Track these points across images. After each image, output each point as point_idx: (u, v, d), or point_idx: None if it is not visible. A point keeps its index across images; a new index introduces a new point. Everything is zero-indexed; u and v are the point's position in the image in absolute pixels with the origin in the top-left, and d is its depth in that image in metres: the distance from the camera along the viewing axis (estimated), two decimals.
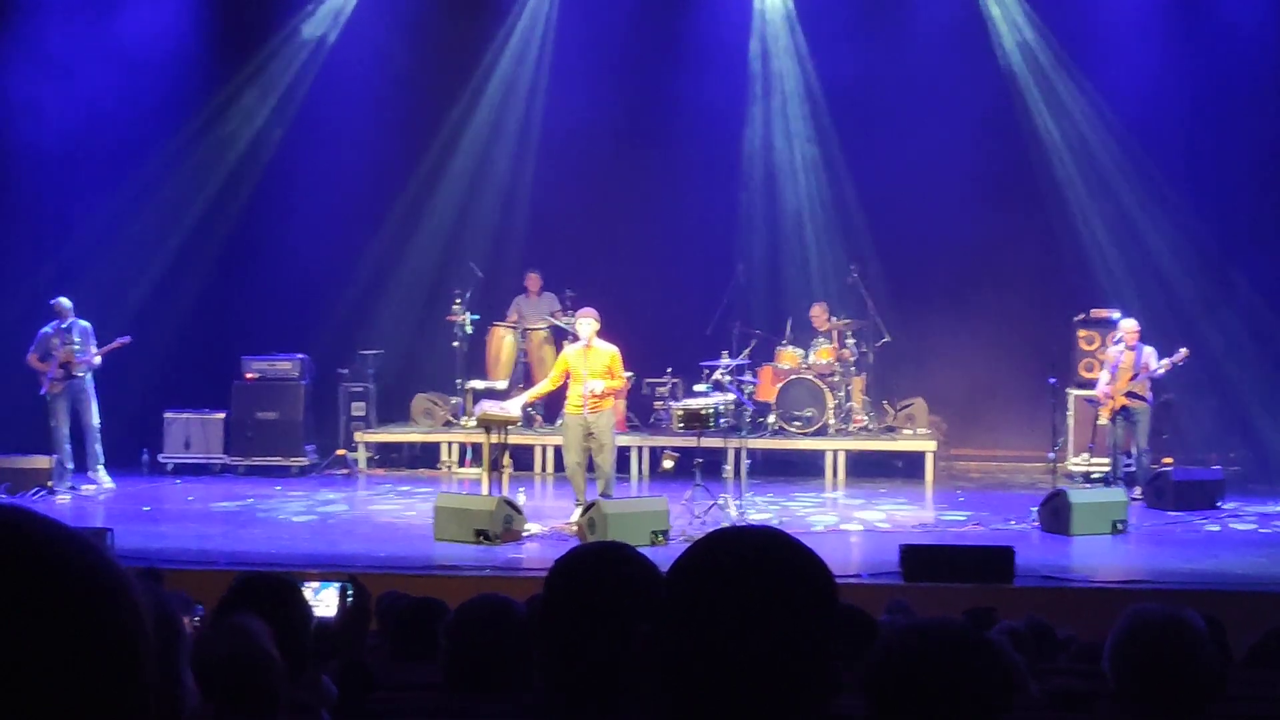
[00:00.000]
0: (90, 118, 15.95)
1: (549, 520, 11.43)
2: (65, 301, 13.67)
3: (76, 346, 13.52)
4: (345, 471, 15.02)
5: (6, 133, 15.85)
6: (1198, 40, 15.47)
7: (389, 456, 15.78)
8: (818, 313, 15.53)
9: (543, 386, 12.15)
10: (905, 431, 15.30)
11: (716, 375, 12.85)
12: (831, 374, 15.11)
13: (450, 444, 15.38)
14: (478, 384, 15.19)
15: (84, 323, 13.70)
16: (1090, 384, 13.96)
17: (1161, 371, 13.01)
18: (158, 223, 16.05)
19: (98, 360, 13.61)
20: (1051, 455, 13.04)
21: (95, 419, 13.65)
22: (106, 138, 15.88)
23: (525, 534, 10.70)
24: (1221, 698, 4.02)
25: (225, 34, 16.28)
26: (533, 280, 15.97)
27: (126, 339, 13.76)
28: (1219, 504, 12.56)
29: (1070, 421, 14.44)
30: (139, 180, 15.95)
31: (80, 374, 13.56)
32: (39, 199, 16.20)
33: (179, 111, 16.21)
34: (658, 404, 15.35)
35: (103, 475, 13.72)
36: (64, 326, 13.55)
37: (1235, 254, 15.45)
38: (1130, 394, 12.94)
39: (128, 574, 1.07)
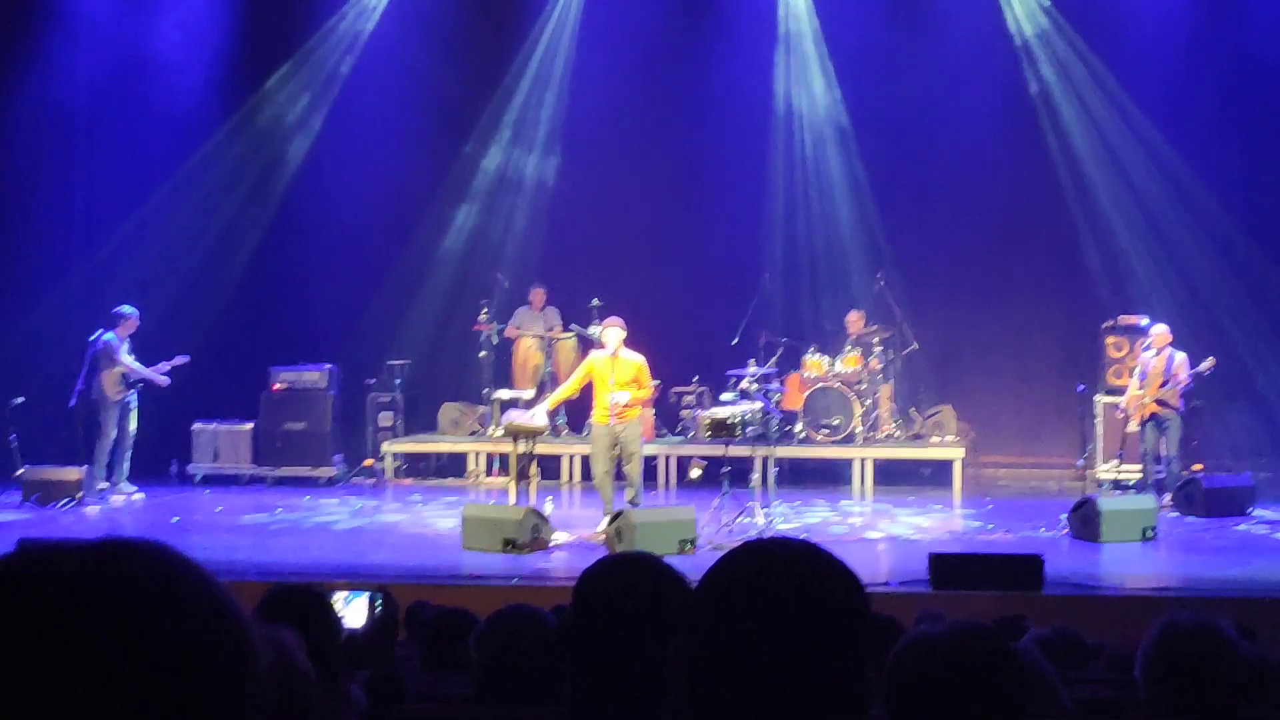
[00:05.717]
0: (118, 124, 16.04)
1: (577, 529, 11.42)
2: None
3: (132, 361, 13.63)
4: (372, 481, 15.05)
5: (30, 138, 15.96)
6: (1225, 39, 15.39)
7: (416, 466, 15.80)
8: (854, 319, 15.46)
9: (564, 391, 12.09)
10: (933, 439, 15.24)
11: (743, 384, 12.84)
12: (859, 382, 15.05)
13: (477, 453, 15.40)
14: (504, 393, 15.17)
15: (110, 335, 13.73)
16: (1119, 390, 13.88)
17: (1184, 385, 12.88)
18: (185, 233, 16.14)
19: (163, 379, 13.70)
20: (1081, 462, 12.97)
21: (134, 431, 13.73)
22: (133, 146, 15.96)
23: (553, 543, 10.69)
24: (1253, 706, 3.99)
25: (250, 43, 16.36)
26: (537, 295, 15.94)
27: (186, 358, 13.83)
28: (1250, 511, 12.46)
29: (1099, 428, 14.35)
30: (166, 190, 16.04)
31: (138, 387, 13.67)
32: (66, 207, 16.31)
33: (207, 120, 16.30)
34: (685, 413, 15.32)
35: (129, 486, 13.78)
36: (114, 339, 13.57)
37: (1264, 257, 15.34)
38: (1160, 401, 12.85)
39: (252, 622, 1.07)
